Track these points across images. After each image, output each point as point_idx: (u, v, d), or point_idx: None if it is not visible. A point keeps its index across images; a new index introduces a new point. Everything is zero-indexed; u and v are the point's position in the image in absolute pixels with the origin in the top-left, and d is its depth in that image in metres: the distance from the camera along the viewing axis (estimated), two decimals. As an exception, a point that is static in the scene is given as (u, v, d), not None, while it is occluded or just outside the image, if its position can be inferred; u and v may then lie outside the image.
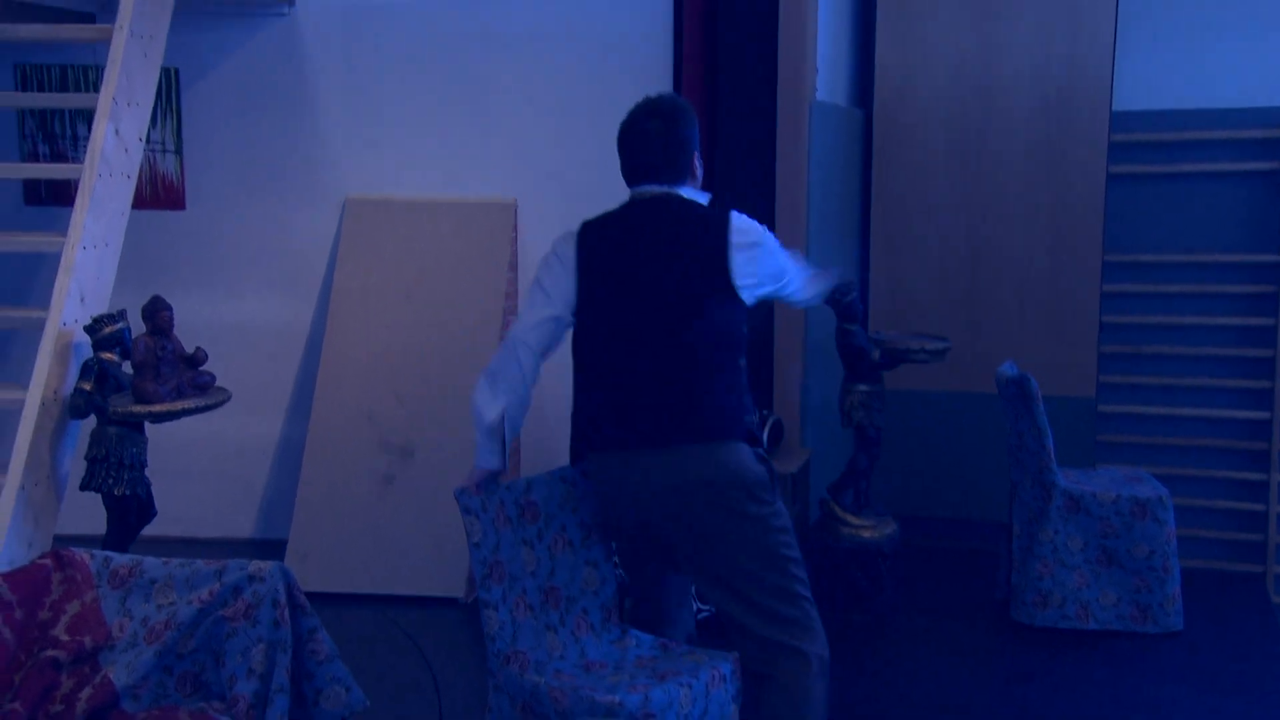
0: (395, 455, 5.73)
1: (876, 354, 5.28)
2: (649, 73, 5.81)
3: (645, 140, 3.74)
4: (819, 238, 5.81)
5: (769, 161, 5.63)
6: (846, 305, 5.23)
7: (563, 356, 3.93)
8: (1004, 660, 4.78)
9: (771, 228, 5.52)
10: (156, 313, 4.90)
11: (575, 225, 3.78)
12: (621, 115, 5.74)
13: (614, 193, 5.85)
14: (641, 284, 3.50)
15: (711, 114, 5.77)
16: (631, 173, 3.72)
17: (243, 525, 6.37)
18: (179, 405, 4.80)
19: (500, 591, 3.54)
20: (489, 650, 3.48)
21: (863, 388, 5.32)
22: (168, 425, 5.05)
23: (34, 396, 4.73)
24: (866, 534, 5.33)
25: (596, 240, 3.63)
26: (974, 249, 6.38)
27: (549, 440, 5.92)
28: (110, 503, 4.73)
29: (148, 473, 4.82)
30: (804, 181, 5.60)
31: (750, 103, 5.66)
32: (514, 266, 6.00)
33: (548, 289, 3.57)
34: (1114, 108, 6.20)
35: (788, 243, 5.55)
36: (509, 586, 3.57)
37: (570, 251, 3.60)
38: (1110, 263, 6.22)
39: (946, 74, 6.37)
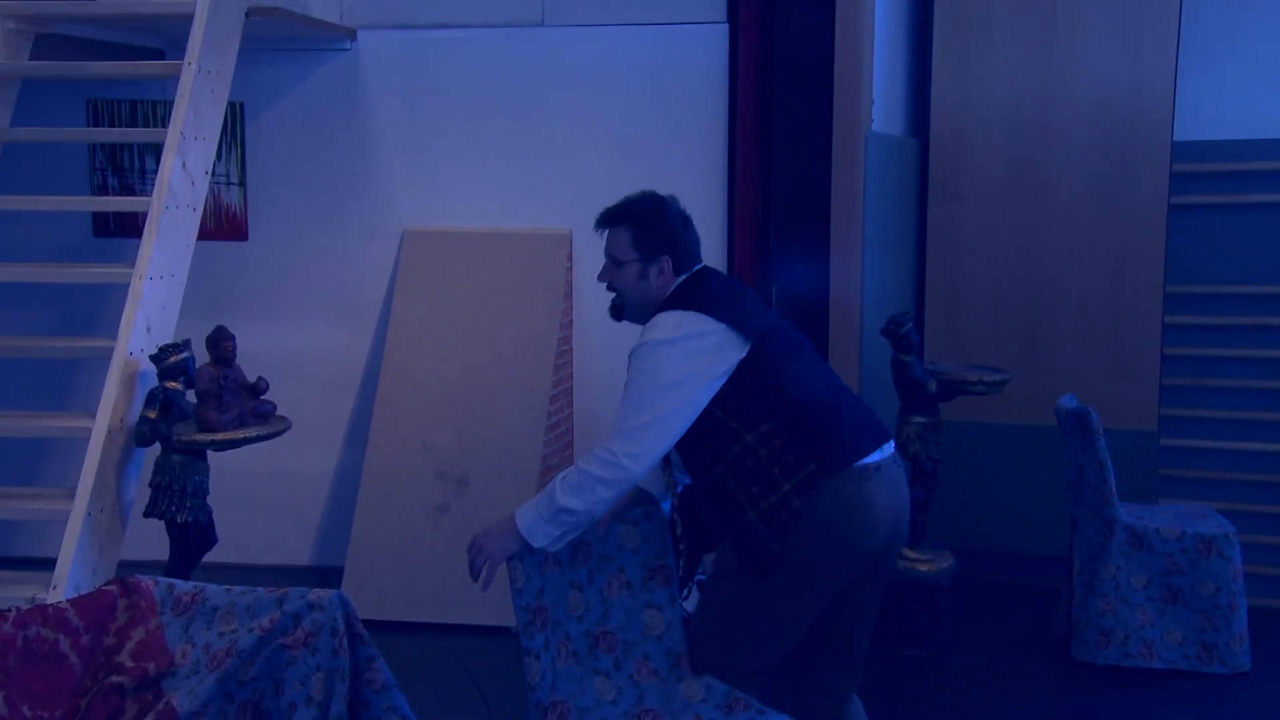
0: (450, 485, 5.74)
1: (933, 386, 5.28)
2: (703, 106, 5.86)
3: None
4: (874, 268, 5.80)
5: (824, 192, 5.61)
6: (902, 336, 5.25)
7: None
8: (1064, 699, 4.72)
9: (826, 258, 5.58)
10: (220, 342, 4.94)
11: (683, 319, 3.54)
12: (677, 148, 5.86)
13: None
14: (775, 316, 3.63)
15: (767, 145, 5.78)
16: (696, 252, 3.67)
17: (300, 553, 6.43)
18: (241, 434, 4.83)
19: (543, 639, 3.48)
20: (529, 700, 3.43)
21: (919, 420, 5.33)
22: (228, 453, 5.04)
23: (101, 424, 4.76)
24: (923, 568, 5.30)
25: (730, 307, 3.49)
26: (1032, 280, 6.25)
27: None
28: (173, 530, 4.78)
29: (209, 500, 4.82)
30: (859, 213, 5.59)
31: (805, 134, 5.66)
32: (569, 297, 6.03)
33: (717, 374, 3.38)
34: (1175, 137, 6.02)
35: (844, 270, 5.55)
36: (552, 632, 3.52)
37: (721, 327, 3.41)
38: (1172, 294, 6.09)
39: (1004, 104, 6.24)
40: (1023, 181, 6.33)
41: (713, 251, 5.83)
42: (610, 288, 3.66)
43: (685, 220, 3.65)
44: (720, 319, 3.40)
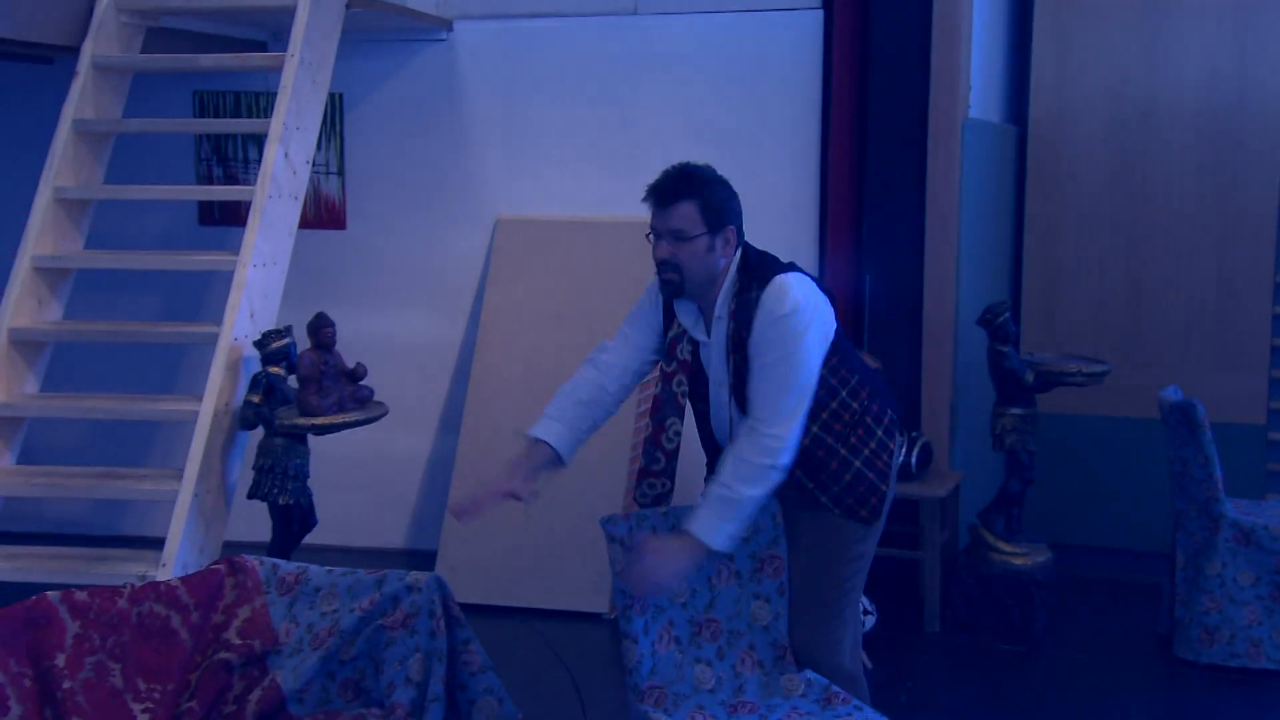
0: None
1: (1030, 377, 5.23)
2: (796, 93, 5.83)
3: None
4: (970, 257, 5.75)
5: (919, 181, 5.59)
6: (998, 326, 5.20)
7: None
8: (1167, 698, 4.65)
9: (921, 247, 5.56)
10: (320, 329, 5.01)
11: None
12: (768, 136, 5.85)
13: (760, 212, 5.85)
14: None
15: (860, 133, 5.75)
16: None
17: (394, 536, 6.49)
18: (340, 418, 4.90)
19: (642, 623, 3.44)
20: (626, 683, 3.43)
21: (1015, 411, 5.27)
22: (327, 437, 5.11)
23: (207, 408, 4.87)
24: (1019, 561, 5.25)
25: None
26: (1135, 270, 6.24)
27: (702, 463, 5.90)
28: (275, 511, 4.87)
29: (309, 483, 4.89)
30: (955, 200, 5.55)
31: (901, 120, 5.62)
32: None
33: (830, 336, 3.48)
34: None
35: (939, 259, 5.52)
36: (653, 618, 3.48)
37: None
38: (1281, 284, 6.00)
39: (1107, 90, 6.27)
40: (1126, 169, 6.25)
41: (804, 241, 5.85)
42: (667, 266, 3.46)
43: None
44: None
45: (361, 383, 5.12)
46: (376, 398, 5.22)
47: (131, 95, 6.02)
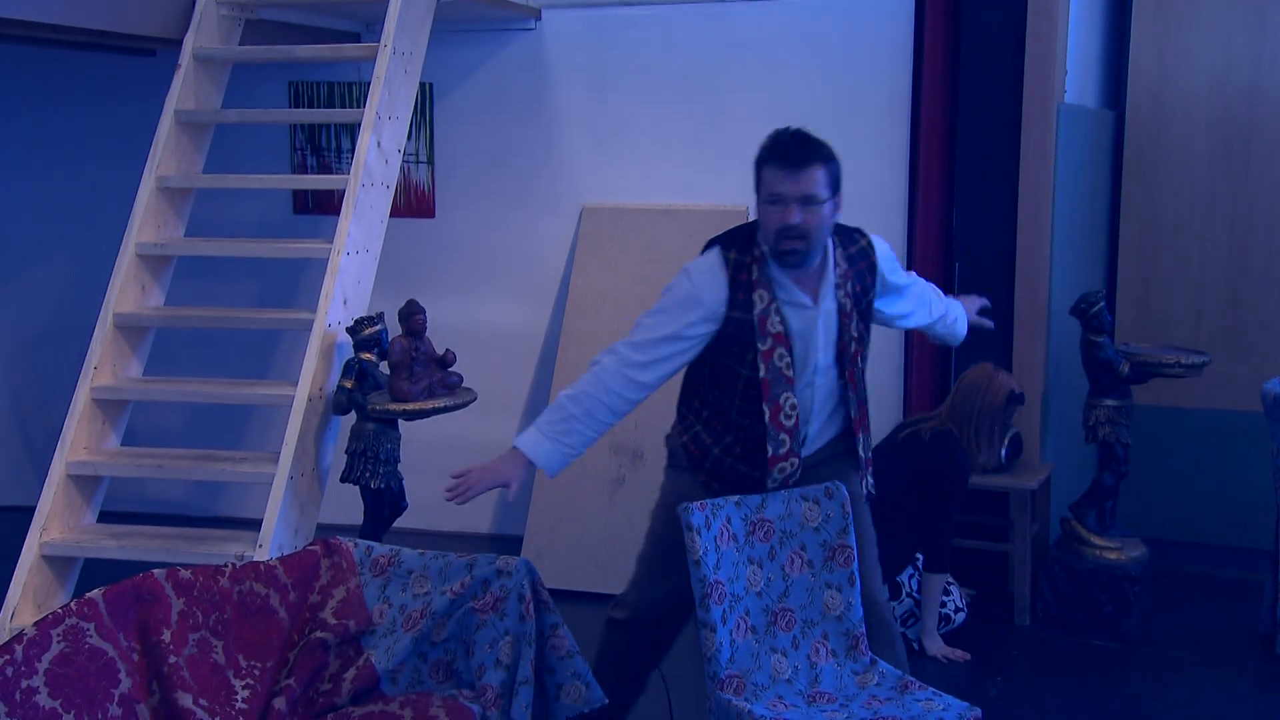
0: (626, 458, 5.82)
1: (1125, 368, 5.20)
2: (885, 78, 5.79)
3: None
4: (1063, 246, 5.70)
5: (1012, 168, 5.54)
6: (1093, 316, 5.19)
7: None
8: (1267, 699, 4.55)
9: (1013, 235, 5.54)
10: (411, 315, 5.04)
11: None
12: (857, 122, 5.86)
13: (846, 200, 5.83)
14: None
15: (951, 118, 5.70)
16: None
17: (481, 522, 6.54)
18: (430, 404, 4.94)
19: (720, 612, 3.46)
20: (705, 671, 3.44)
21: (1109, 403, 5.25)
22: (417, 422, 5.16)
23: (301, 393, 4.95)
24: (1112, 555, 5.23)
25: None
26: (1236, 259, 6.15)
27: None
28: (367, 495, 4.95)
29: (400, 468, 4.94)
30: (1049, 188, 5.49)
31: (993, 106, 5.57)
32: None
33: None
34: None
35: (1031, 248, 5.49)
36: (730, 607, 3.50)
37: None
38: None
39: (1209, 74, 6.15)
40: (1229, 155, 6.14)
41: (892, 229, 5.71)
42: (793, 232, 3.41)
43: None
44: None
45: (451, 369, 5.16)
46: (465, 384, 5.22)
47: (229, 86, 6.11)
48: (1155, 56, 6.25)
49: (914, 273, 3.91)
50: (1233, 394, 6.04)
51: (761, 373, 3.56)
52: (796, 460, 3.62)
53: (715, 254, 3.65)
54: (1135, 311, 6.31)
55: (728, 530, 3.53)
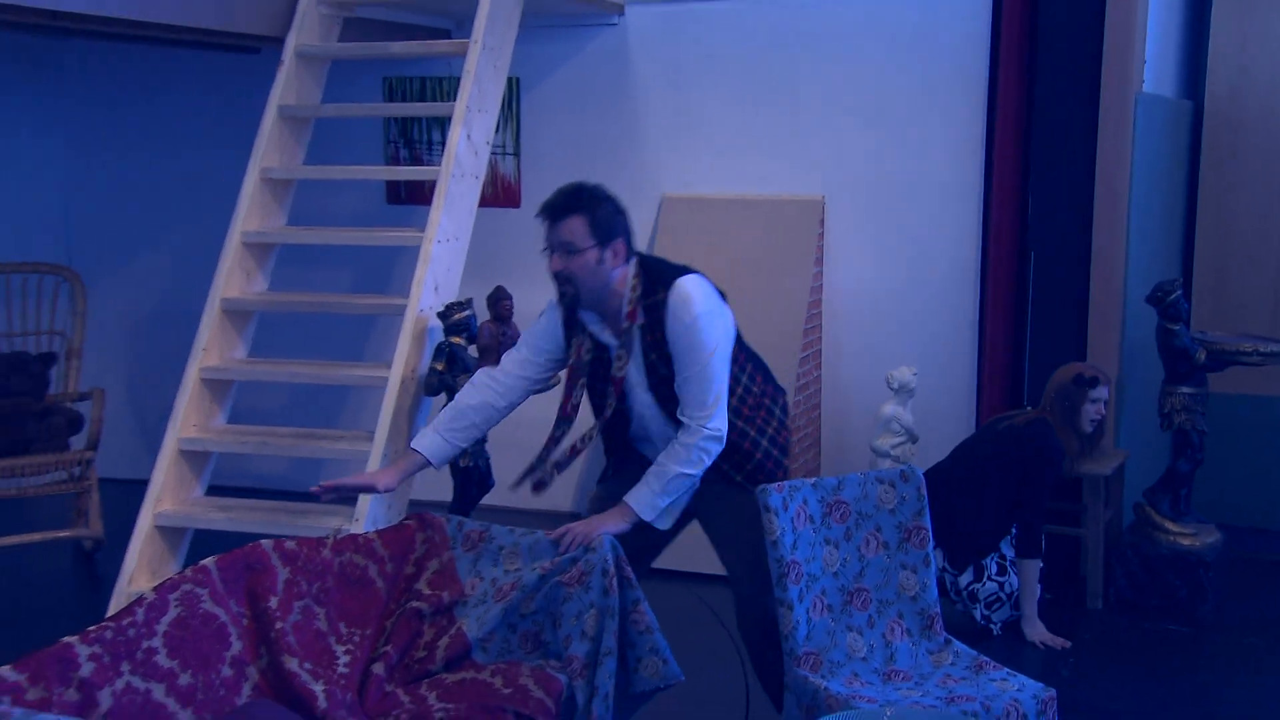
0: None
1: (1201, 355, 5.15)
2: (962, 69, 5.76)
3: None
4: (1139, 234, 5.66)
5: (1089, 157, 5.51)
6: (1170, 304, 5.14)
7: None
8: None
9: (1089, 224, 5.63)
10: (499, 301, 5.20)
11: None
12: (933, 112, 6.02)
13: (922, 190, 5.84)
14: None
15: (1028, 108, 5.68)
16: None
17: (563, 499, 6.48)
18: None
19: (797, 591, 3.46)
20: (784, 648, 3.45)
21: (1185, 390, 5.19)
22: None
23: (395, 375, 5.04)
24: (1186, 541, 5.16)
25: None
26: (1315, 248, 5.90)
27: (851, 437, 6.07)
28: (456, 473, 5.00)
29: (487, 447, 5.02)
30: (1126, 177, 5.45)
31: (1070, 96, 5.54)
32: (819, 261, 6.00)
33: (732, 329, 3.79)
34: None
35: (1108, 237, 5.45)
36: (806, 586, 3.49)
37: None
38: None
39: None
40: None
41: (968, 215, 5.80)
42: (560, 277, 3.62)
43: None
44: None
45: None
46: None
47: (327, 81, 6.19)
48: (1236, 45, 6.18)
49: (714, 371, 3.60)
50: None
51: (594, 393, 3.85)
52: (639, 459, 3.83)
53: (552, 308, 3.87)
54: (1211, 299, 6.22)
55: (804, 511, 3.52)
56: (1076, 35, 5.51)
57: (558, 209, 3.60)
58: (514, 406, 3.96)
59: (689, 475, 3.56)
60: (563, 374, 4.04)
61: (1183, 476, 5.27)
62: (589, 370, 3.79)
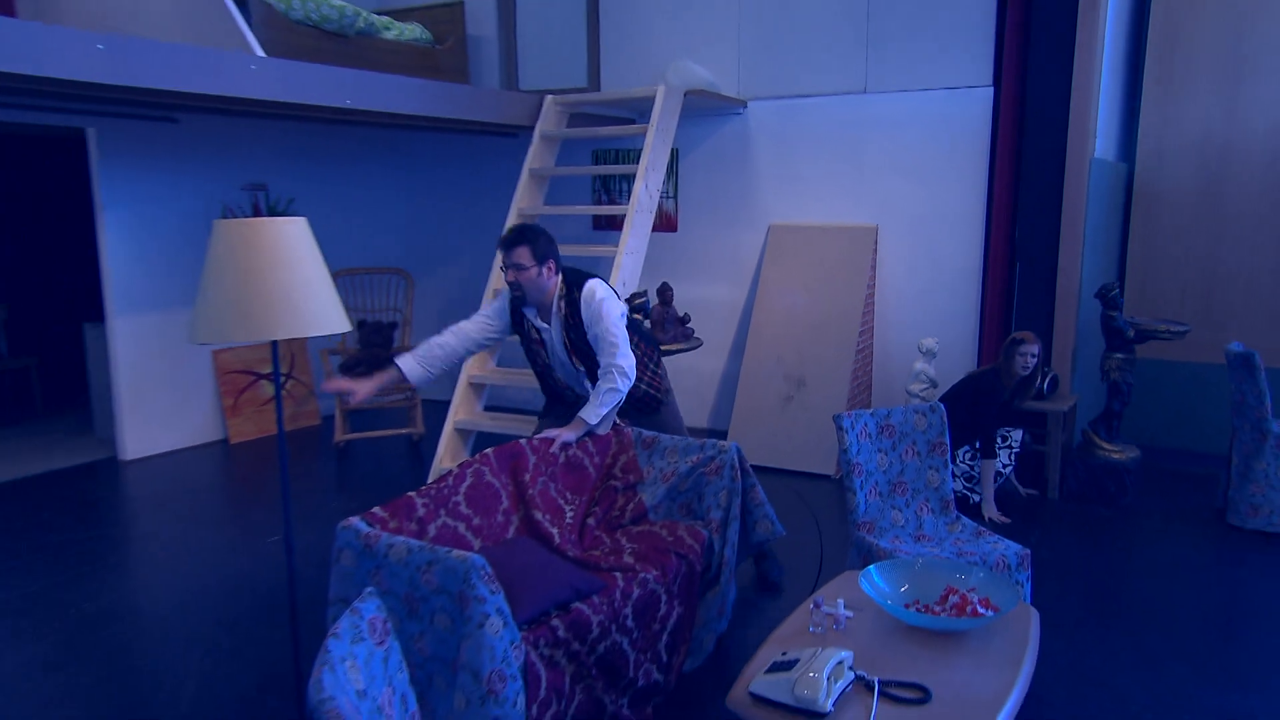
0: (793, 384, 5.89)
1: (1131, 333, 5.20)
2: (972, 143, 5.69)
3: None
4: (1090, 251, 5.64)
5: (1058, 199, 5.47)
6: (1110, 298, 5.20)
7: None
8: (1220, 551, 4.51)
9: (1057, 246, 5.51)
10: (664, 291, 5.45)
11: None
12: (952, 172, 5.81)
13: (945, 225, 6.07)
14: None
15: (1016, 169, 5.60)
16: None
17: (701, 419, 6.68)
18: (675, 346, 5.25)
19: (859, 481, 3.52)
20: (849, 519, 3.52)
21: (1119, 355, 5.24)
22: (666, 360, 5.33)
23: None
24: (1115, 456, 5.22)
25: None
26: (1210, 263, 6.04)
27: (893, 384, 6.05)
28: (633, 403, 4.89)
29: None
30: (1082, 214, 5.40)
31: (1046, 159, 5.47)
32: (873, 267, 5.99)
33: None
34: None
35: (1069, 254, 5.49)
36: (865, 479, 3.55)
37: None
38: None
39: (1196, 136, 5.94)
40: (1207, 194, 6.00)
41: (974, 239, 5.74)
42: (515, 286, 3.69)
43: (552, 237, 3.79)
44: None
45: (687, 325, 5.43)
46: (695, 335, 5.51)
47: (559, 152, 6.31)
48: (1158, 125, 6.08)
49: (615, 331, 3.67)
50: (1203, 352, 5.98)
51: (534, 357, 3.90)
52: (561, 400, 3.93)
53: (505, 297, 3.91)
54: (1137, 296, 6.22)
55: (865, 430, 3.58)
56: (1050, 119, 5.43)
57: (511, 241, 3.65)
58: (470, 353, 3.93)
59: (616, 391, 3.62)
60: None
61: (1115, 413, 5.33)
62: (529, 341, 3.86)
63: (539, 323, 3.82)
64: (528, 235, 3.65)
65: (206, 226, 6.35)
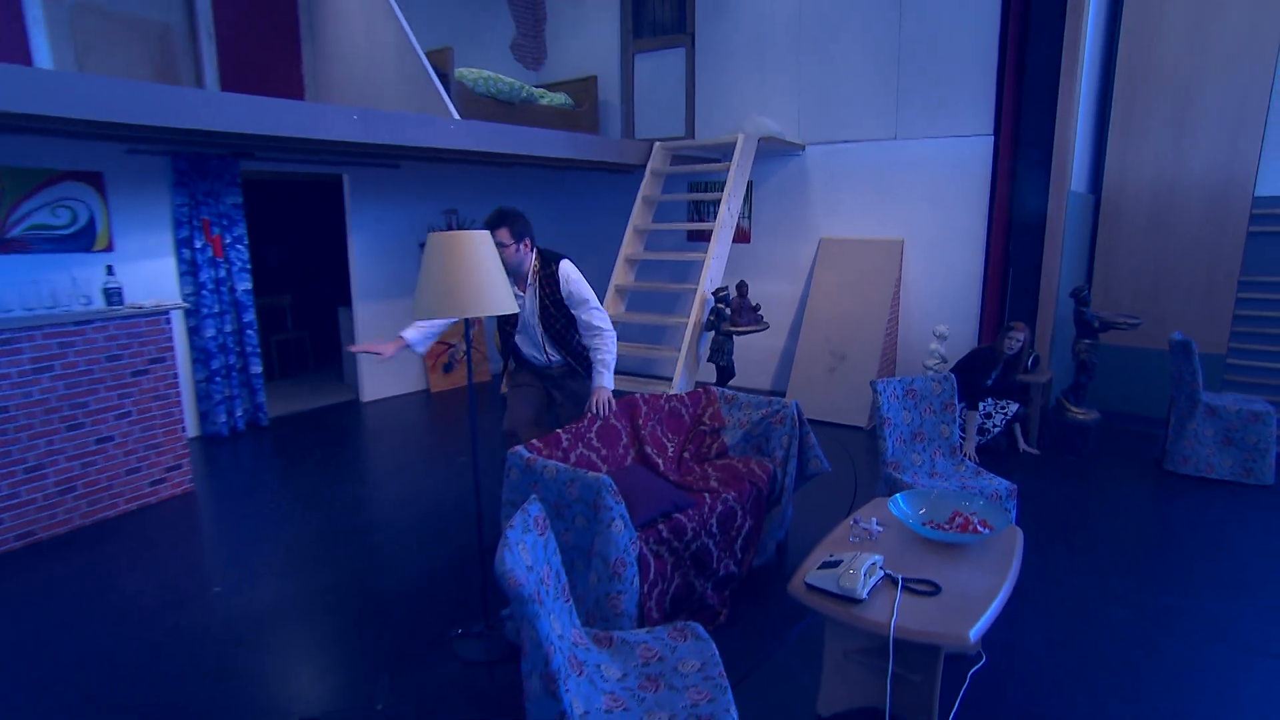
0: (837, 359, 5.84)
1: (1096, 324, 5.05)
2: (977, 178, 5.52)
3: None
4: (1068, 261, 5.46)
5: (1042, 222, 5.33)
6: (1082, 298, 5.07)
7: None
8: (1158, 490, 4.44)
9: (1040, 256, 5.35)
10: (741, 287, 5.35)
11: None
12: (962, 201, 5.66)
13: (955, 242, 6.09)
14: None
15: (1010, 198, 5.44)
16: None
17: (766, 382, 6.61)
18: (749, 329, 5.21)
19: (888, 431, 3.52)
20: (880, 459, 3.52)
21: (1087, 341, 5.11)
22: (742, 338, 5.74)
23: (690, 321, 5.25)
24: (1081, 417, 5.10)
25: None
26: (1158, 270, 5.79)
27: (913, 360, 5.91)
28: (718, 369, 5.18)
29: (733, 357, 5.25)
30: (1060, 234, 5.26)
31: (1034, 191, 5.34)
32: (899, 269, 5.83)
33: None
34: (1256, 193, 5.33)
35: (1050, 264, 5.28)
36: (892, 429, 3.55)
37: None
38: (1243, 282, 5.49)
39: (1149, 175, 5.69)
40: (1157, 217, 5.77)
41: (976, 254, 5.58)
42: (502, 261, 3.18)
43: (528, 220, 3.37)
44: None
45: (758, 312, 5.40)
46: (764, 320, 5.56)
47: (665, 182, 6.42)
48: (1120, 162, 5.84)
49: (585, 290, 3.27)
50: (1150, 340, 5.77)
51: (504, 323, 3.48)
52: (532, 364, 3.44)
53: None
54: (1102, 296, 6.00)
55: (895, 393, 3.57)
56: (1036, 161, 5.29)
57: (493, 223, 3.21)
58: (450, 324, 3.29)
59: (609, 352, 3.27)
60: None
61: (1082, 385, 5.22)
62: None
63: (515, 291, 3.38)
64: (508, 217, 3.24)
65: (416, 240, 6.54)
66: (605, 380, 3.33)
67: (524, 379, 3.48)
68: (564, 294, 3.32)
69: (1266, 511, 4.11)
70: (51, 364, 3.72)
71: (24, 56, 4.17)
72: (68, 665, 2.77)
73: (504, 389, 3.51)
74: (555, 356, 3.43)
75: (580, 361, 3.42)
